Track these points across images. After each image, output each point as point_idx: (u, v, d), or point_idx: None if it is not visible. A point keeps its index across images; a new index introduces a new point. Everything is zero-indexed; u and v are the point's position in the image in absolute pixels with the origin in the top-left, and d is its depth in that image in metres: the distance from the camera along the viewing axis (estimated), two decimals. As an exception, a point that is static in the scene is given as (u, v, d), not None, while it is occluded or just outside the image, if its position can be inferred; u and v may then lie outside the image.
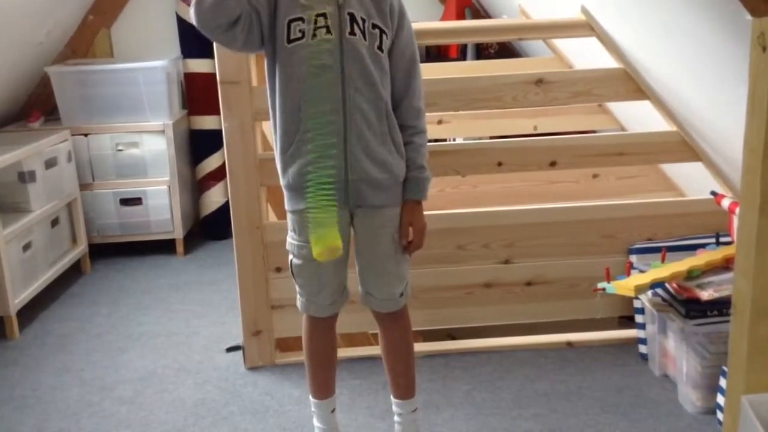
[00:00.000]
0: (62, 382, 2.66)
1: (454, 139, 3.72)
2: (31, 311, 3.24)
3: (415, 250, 1.99)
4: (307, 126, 1.83)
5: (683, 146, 2.64)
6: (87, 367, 2.77)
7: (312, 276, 1.95)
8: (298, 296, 2.02)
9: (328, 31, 1.79)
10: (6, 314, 3.01)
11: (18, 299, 3.08)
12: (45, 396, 2.57)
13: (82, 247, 3.74)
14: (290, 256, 1.98)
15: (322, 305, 1.99)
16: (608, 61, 2.75)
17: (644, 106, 2.76)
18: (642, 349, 2.61)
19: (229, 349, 2.85)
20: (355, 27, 1.80)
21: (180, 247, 4.00)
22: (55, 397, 2.56)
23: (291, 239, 1.97)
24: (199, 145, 4.18)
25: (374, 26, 1.83)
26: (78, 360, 2.83)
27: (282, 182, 1.93)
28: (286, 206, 1.96)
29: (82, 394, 2.57)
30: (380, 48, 1.85)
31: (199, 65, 4.07)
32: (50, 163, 3.47)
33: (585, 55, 3.33)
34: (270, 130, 1.97)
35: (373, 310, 2.03)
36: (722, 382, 2.14)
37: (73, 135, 3.75)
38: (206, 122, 4.14)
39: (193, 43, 4.02)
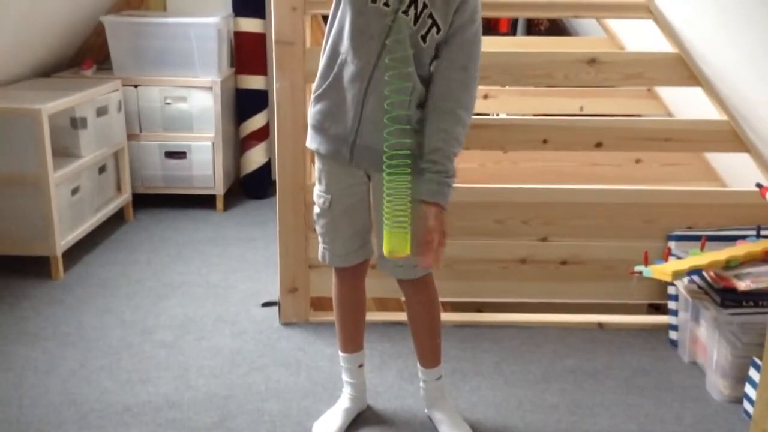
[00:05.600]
0: (104, 323, 2.76)
1: (497, 114, 3.72)
2: (75, 254, 3.36)
3: (432, 258, 1.84)
4: (336, 78, 1.87)
5: (732, 136, 2.62)
6: (128, 311, 2.87)
7: (327, 225, 2.02)
8: (319, 245, 2.09)
9: (386, 3, 1.80)
10: (52, 254, 3.12)
11: (64, 241, 3.18)
12: (87, 334, 2.67)
13: (125, 196, 3.84)
14: (315, 205, 2.05)
15: (336, 254, 2.05)
16: (661, 45, 2.73)
17: (695, 94, 2.74)
18: (672, 335, 2.63)
19: (265, 304, 2.93)
20: (411, 9, 1.78)
21: (220, 204, 4.08)
22: (97, 336, 2.66)
23: (315, 189, 2.05)
24: (244, 104, 4.23)
25: (430, 16, 1.79)
26: (120, 303, 2.93)
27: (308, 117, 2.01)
28: (307, 143, 2.02)
29: (123, 335, 2.67)
30: (424, 38, 1.81)
31: (248, 24, 4.10)
32: (101, 111, 3.55)
33: (638, 37, 3.31)
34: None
35: (397, 279, 2.07)
36: (752, 373, 2.16)
37: (123, 85, 3.83)
38: (252, 82, 4.19)
39: (245, 1, 4.05)
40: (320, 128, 1.96)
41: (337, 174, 1.97)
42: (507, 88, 3.73)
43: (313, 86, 1.97)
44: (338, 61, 1.88)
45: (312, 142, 2.00)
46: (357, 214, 2.01)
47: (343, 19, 1.85)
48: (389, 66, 1.79)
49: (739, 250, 2.38)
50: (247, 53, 4.14)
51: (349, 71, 1.86)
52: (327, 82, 1.91)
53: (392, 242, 1.81)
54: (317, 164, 2.02)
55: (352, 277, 2.12)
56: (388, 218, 1.83)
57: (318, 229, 2.06)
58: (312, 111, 1.97)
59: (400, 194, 1.83)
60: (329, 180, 1.98)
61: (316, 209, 2.04)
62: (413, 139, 1.88)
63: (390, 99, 1.80)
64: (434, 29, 1.81)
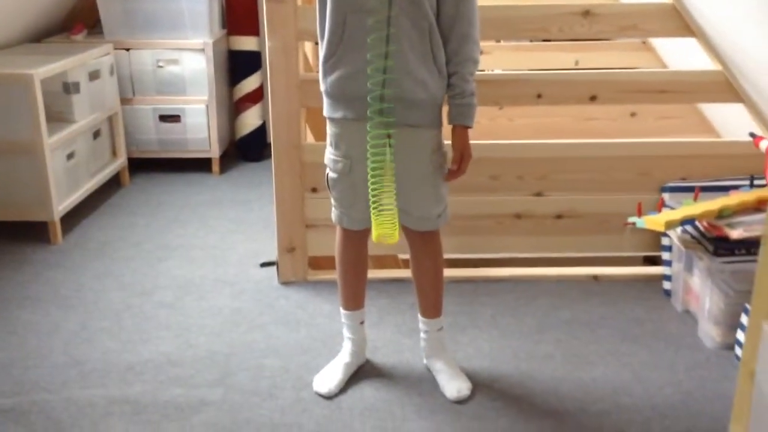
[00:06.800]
0: (104, 286, 2.79)
1: (492, 71, 3.70)
2: (73, 218, 3.37)
3: (458, 176, 2.02)
4: (350, 39, 1.86)
5: (726, 86, 2.61)
6: (127, 273, 2.89)
7: (346, 189, 2.02)
8: (332, 208, 2.10)
9: None
10: (50, 219, 3.14)
11: (61, 206, 3.20)
12: (88, 297, 2.70)
13: (121, 160, 3.84)
14: (327, 170, 2.05)
15: (355, 218, 2.06)
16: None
17: (689, 46, 2.73)
18: (666, 285, 2.66)
19: (263, 265, 2.95)
20: None
21: (215, 166, 4.08)
22: (98, 299, 2.69)
23: (329, 153, 2.04)
24: (236, 65, 4.21)
25: None
26: (118, 266, 2.96)
27: (321, 87, 1.99)
28: (324, 112, 2.02)
29: (123, 297, 2.70)
30: None
31: (239, -16, 4.05)
32: (93, 76, 3.53)
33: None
34: (317, 34, 2.00)
35: (407, 231, 2.09)
36: (744, 320, 2.20)
37: (115, 49, 3.80)
38: (245, 43, 4.15)
39: (235, -39, 4.00)
40: (342, 95, 1.93)
41: (360, 137, 1.93)
42: (502, 43, 3.71)
43: (322, 54, 1.94)
44: (346, 21, 1.86)
45: (335, 111, 1.97)
46: None
47: None
48: (400, 12, 1.81)
49: (732, 199, 2.40)
50: (239, 14, 4.10)
51: (362, 27, 1.84)
52: (340, 47, 1.89)
53: (382, 228, 1.93)
54: (334, 130, 2.00)
55: (359, 237, 2.13)
56: (375, 201, 1.90)
57: (335, 194, 2.06)
58: (330, 80, 1.94)
59: (384, 169, 1.90)
60: (350, 144, 1.97)
61: (332, 175, 2.03)
62: (435, 77, 1.92)
63: (408, 49, 1.84)
64: None
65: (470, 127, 1.99)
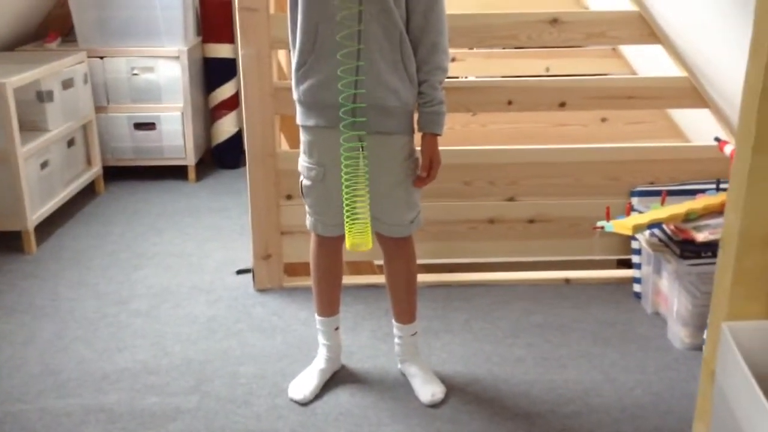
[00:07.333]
0: (79, 295, 2.78)
1: (465, 77, 3.74)
2: (47, 228, 3.36)
3: (427, 183, 2.05)
4: (322, 47, 1.89)
5: (692, 92, 2.67)
6: (103, 282, 2.89)
7: (320, 196, 2.04)
8: (307, 215, 2.12)
9: None
10: (24, 229, 3.12)
11: (35, 215, 3.18)
12: (63, 306, 2.69)
13: (96, 169, 3.83)
14: (301, 177, 2.07)
15: (329, 225, 2.08)
16: (622, 4, 2.76)
17: (658, 53, 2.79)
18: (636, 288, 2.71)
19: (239, 272, 2.96)
20: None
21: (191, 174, 4.08)
22: (73, 308, 2.68)
23: (302, 161, 2.06)
24: (212, 73, 4.21)
25: None
26: (94, 275, 2.95)
27: (294, 95, 2.02)
28: (297, 120, 2.04)
29: (99, 306, 2.69)
30: None
31: (214, -8, 4.06)
32: (67, 84, 3.52)
33: (601, -2, 3.33)
34: (288, 43, 2.02)
35: (380, 237, 2.12)
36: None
37: (89, 57, 3.79)
38: (220, 50, 4.16)
39: (210, -31, 4.01)
40: (314, 102, 1.95)
41: (333, 144, 1.94)
42: (475, 50, 3.75)
43: (294, 62, 1.96)
44: (317, 30, 1.88)
45: (307, 118, 1.99)
46: None
47: None
48: (371, 20, 1.84)
49: (698, 203, 2.45)
50: (214, 21, 4.11)
51: (334, 36, 1.86)
52: (312, 56, 1.91)
53: (355, 237, 1.95)
54: (307, 137, 2.02)
55: (334, 244, 2.15)
56: (348, 209, 1.92)
57: (308, 201, 2.08)
58: (302, 88, 1.96)
59: (357, 178, 1.92)
60: (323, 152, 1.99)
61: (306, 182, 2.05)
62: (406, 85, 1.94)
63: (379, 57, 1.87)
64: None
65: (439, 135, 2.02)
